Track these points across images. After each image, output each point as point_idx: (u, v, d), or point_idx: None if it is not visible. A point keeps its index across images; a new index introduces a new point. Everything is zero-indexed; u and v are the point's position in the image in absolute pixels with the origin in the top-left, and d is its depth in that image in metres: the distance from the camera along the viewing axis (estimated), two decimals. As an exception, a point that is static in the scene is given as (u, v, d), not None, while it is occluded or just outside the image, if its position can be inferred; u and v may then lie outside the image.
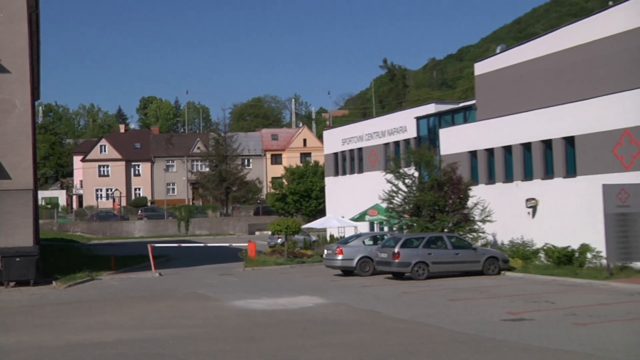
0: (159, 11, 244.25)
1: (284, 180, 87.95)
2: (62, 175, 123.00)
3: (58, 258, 42.18)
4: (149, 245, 39.13)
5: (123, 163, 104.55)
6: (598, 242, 29.45)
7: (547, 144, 35.59)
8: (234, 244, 51.63)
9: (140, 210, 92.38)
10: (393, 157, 44.41)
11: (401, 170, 37.79)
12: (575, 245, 31.01)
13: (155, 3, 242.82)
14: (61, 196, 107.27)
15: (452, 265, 30.91)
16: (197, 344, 16.42)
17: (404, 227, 37.96)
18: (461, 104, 47.46)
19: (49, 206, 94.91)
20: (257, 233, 79.74)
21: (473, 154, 40.40)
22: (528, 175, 36.70)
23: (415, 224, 36.38)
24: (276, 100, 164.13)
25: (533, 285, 27.08)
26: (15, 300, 26.33)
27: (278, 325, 19.11)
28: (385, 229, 45.46)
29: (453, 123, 44.10)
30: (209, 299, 25.62)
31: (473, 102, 43.95)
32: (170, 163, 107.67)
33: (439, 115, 45.62)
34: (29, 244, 31.35)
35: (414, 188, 36.95)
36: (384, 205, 39.47)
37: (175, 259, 45.87)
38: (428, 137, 45.40)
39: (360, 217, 46.03)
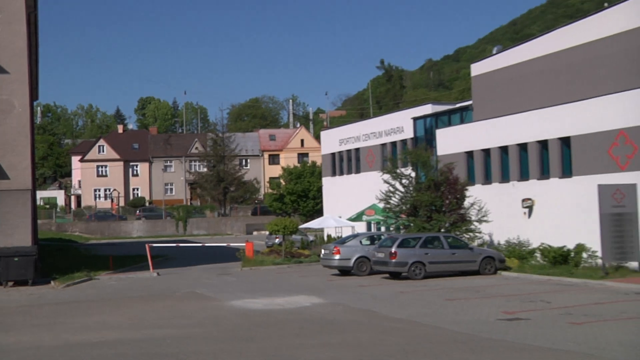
0: (157, 12, 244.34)
1: (281, 181, 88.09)
2: (60, 175, 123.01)
3: (56, 258, 42.19)
4: (147, 245, 39.18)
5: (121, 163, 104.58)
6: (593, 242, 29.56)
7: (543, 144, 35.73)
8: (231, 244, 51.55)
9: (138, 210, 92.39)
10: (390, 157, 44.47)
11: (398, 171, 37.83)
12: (570, 245, 31.13)
13: (153, 4, 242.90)
14: (59, 196, 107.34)
15: (449, 265, 30.99)
16: (195, 343, 16.42)
17: (401, 227, 38.02)
18: (458, 105, 47.51)
19: (48, 206, 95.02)
20: (254, 233, 79.85)
21: (470, 154, 40.53)
22: (524, 176, 36.83)
23: (412, 224, 36.43)
24: (274, 100, 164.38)
25: (529, 284, 27.14)
26: (13, 300, 26.33)
27: (276, 324, 19.12)
28: (383, 229, 45.57)
29: (450, 123, 44.22)
30: (207, 298, 25.63)
31: (470, 102, 44.11)
32: (168, 163, 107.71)
33: (435, 115, 45.74)
34: (28, 243, 31.38)
35: (411, 188, 37.03)
36: (381, 205, 39.51)
37: (173, 259, 45.90)
38: (425, 138, 45.50)
39: (357, 217, 46.09)
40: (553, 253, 31.04)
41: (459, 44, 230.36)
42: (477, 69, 42.99)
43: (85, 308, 23.82)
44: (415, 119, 47.16)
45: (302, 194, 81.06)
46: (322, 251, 35.63)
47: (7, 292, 29.00)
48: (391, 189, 37.51)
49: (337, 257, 33.54)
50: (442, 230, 35.05)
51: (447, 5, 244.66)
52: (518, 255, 33.00)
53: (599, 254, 29.16)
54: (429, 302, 22.91)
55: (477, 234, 35.94)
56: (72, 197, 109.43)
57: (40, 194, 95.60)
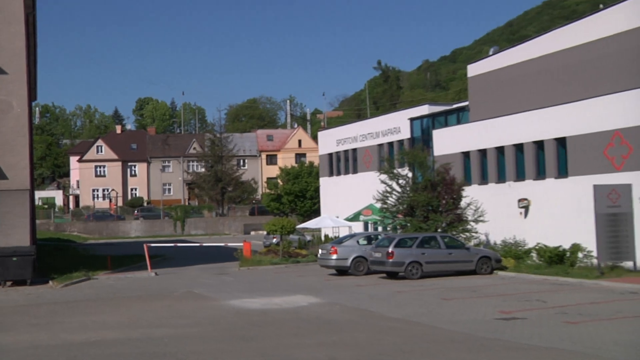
0: (155, 13, 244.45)
1: (279, 181, 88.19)
2: (58, 175, 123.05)
3: (55, 258, 42.14)
4: (145, 245, 39.20)
5: (119, 163, 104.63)
6: (589, 241, 29.66)
7: (539, 144, 35.87)
8: (229, 244, 51.58)
9: (136, 210, 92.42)
10: (387, 157, 44.54)
11: (395, 171, 37.91)
12: (566, 245, 31.21)
13: (151, 5, 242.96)
14: (58, 196, 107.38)
15: (446, 265, 31.05)
16: (193, 343, 16.43)
17: (398, 227, 38.11)
18: (454, 105, 47.68)
19: (46, 206, 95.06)
20: (252, 233, 79.96)
21: (466, 154, 40.65)
22: (520, 176, 36.97)
23: (409, 224, 36.50)
24: (271, 101, 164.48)
25: (525, 284, 27.21)
26: (12, 300, 26.30)
27: (273, 324, 19.12)
28: (380, 229, 45.54)
29: (446, 124, 44.34)
30: (205, 298, 25.63)
31: (466, 103, 44.21)
32: (167, 163, 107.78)
33: (432, 116, 45.87)
34: (26, 243, 31.37)
35: (408, 188, 37.11)
36: (378, 205, 39.60)
37: (171, 259, 45.88)
38: (422, 138, 45.64)
39: (354, 217, 46.20)
40: (549, 253, 31.11)
41: (455, 45, 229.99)
42: (474, 69, 43.12)
43: (83, 308, 23.78)
44: (412, 120, 47.27)
45: (299, 194, 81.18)
46: (320, 251, 35.63)
47: (5, 291, 28.96)
48: (388, 189, 37.58)
49: (334, 257, 33.55)
50: (439, 230, 35.13)
51: (443, 6, 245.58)
52: (514, 255, 33.06)
53: (595, 253, 29.24)
54: (426, 302, 22.92)
55: (473, 234, 35.99)
56: (71, 197, 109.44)
57: (39, 194, 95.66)
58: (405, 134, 47.94)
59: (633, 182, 29.35)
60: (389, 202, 37.65)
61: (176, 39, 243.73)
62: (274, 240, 46.83)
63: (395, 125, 49.42)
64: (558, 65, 36.60)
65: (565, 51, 36.21)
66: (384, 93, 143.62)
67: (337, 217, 49.02)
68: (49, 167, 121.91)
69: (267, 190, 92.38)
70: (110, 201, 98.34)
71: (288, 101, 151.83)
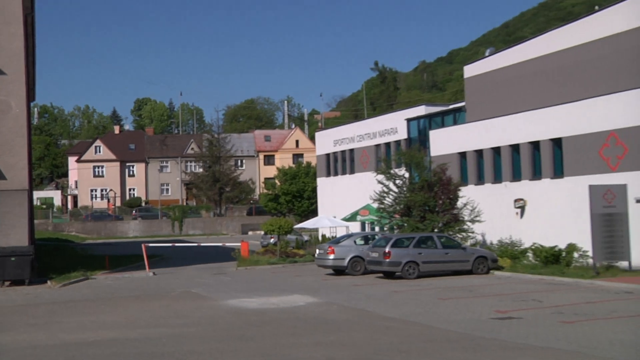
0: (153, 14, 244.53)
1: (276, 181, 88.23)
2: (57, 175, 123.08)
3: (53, 258, 42.14)
4: (143, 245, 39.26)
5: (117, 164, 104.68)
6: (584, 241, 29.79)
7: (535, 145, 36.02)
8: (227, 244, 51.65)
9: (134, 211, 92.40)
10: (384, 158, 44.71)
11: (392, 171, 38.02)
12: (562, 245, 31.33)
13: (149, 6, 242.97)
14: (56, 196, 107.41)
15: (442, 265, 31.13)
16: (191, 342, 16.43)
17: (395, 227, 38.19)
18: (451, 106, 47.81)
19: (44, 206, 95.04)
20: (250, 233, 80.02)
21: (462, 155, 40.80)
22: (516, 176, 37.11)
23: (405, 224, 36.63)
24: (269, 102, 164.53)
25: (521, 284, 27.28)
26: (10, 300, 26.31)
27: (271, 324, 19.15)
28: (377, 229, 45.70)
29: (443, 125, 44.46)
30: (203, 298, 25.65)
31: (463, 104, 44.33)
32: (164, 164, 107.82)
33: (429, 117, 45.99)
34: (24, 243, 31.36)
35: (405, 189, 37.21)
36: (375, 205, 39.71)
37: (169, 259, 45.84)
38: (418, 139, 45.74)
39: (351, 217, 46.28)
40: (545, 253, 31.21)
41: (452, 46, 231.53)
42: (470, 70, 43.27)
43: (81, 308, 23.78)
44: (408, 120, 47.39)
45: (297, 195, 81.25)
46: (317, 251, 35.67)
47: (3, 291, 28.96)
48: (385, 189, 37.69)
49: (331, 256, 33.60)
50: (436, 230, 35.24)
51: (440, 8, 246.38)
52: (510, 255, 33.16)
53: (590, 253, 29.37)
54: (423, 302, 22.95)
55: (470, 234, 36.16)
56: (69, 197, 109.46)
57: (37, 194, 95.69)
58: (402, 134, 48.05)
59: (628, 183, 29.52)
60: (386, 202, 37.74)
61: (174, 40, 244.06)
62: (272, 240, 46.84)
63: (392, 126, 49.52)
64: (554, 66, 36.75)
65: (561, 52, 36.36)
66: (381, 94, 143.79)
67: (335, 217, 49.09)
68: (48, 168, 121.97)
69: (265, 191, 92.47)
70: (109, 201, 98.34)
71: (286, 102, 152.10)
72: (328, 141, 58.12)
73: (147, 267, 36.95)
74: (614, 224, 28.60)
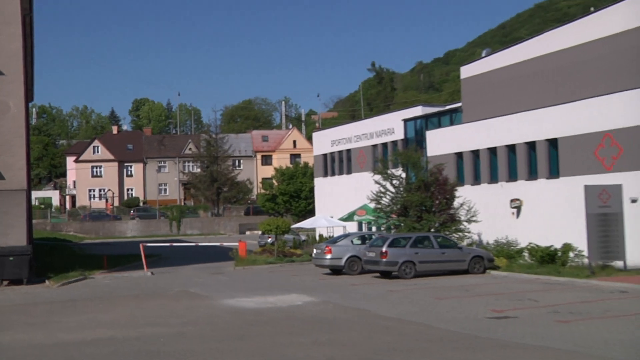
0: (151, 15, 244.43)
1: (274, 181, 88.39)
2: (55, 175, 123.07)
3: (51, 257, 42.03)
4: (141, 245, 39.25)
5: (116, 164, 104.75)
6: (580, 241, 29.90)
7: (531, 145, 36.14)
8: (224, 244, 51.61)
9: (132, 210, 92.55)
10: (381, 158, 44.71)
11: (389, 172, 38.13)
12: (558, 245, 31.42)
13: (147, 6, 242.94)
14: (54, 196, 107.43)
15: (439, 265, 31.19)
16: (189, 342, 16.46)
17: (392, 227, 38.26)
18: (447, 107, 47.83)
19: (43, 206, 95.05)
20: (247, 233, 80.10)
21: (459, 155, 40.90)
22: (512, 176, 37.23)
23: (402, 224, 36.69)
24: (266, 102, 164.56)
25: (517, 283, 27.37)
26: (8, 299, 26.32)
27: (268, 323, 19.20)
28: (374, 228, 45.76)
29: (440, 125, 44.51)
30: (201, 297, 25.68)
31: (459, 104, 44.41)
32: (162, 164, 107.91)
33: (425, 117, 46.06)
34: (23, 243, 31.36)
35: (402, 189, 37.30)
36: (372, 205, 39.79)
37: (167, 258, 45.81)
38: (415, 139, 45.78)
39: (348, 217, 46.35)
40: (541, 252, 31.31)
41: (448, 47, 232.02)
42: (467, 71, 43.39)
43: (79, 307, 23.80)
44: (405, 121, 47.46)
45: (294, 194, 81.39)
46: (314, 251, 35.74)
47: (2, 291, 28.96)
48: (382, 189, 37.79)
49: (328, 256, 33.63)
50: (432, 230, 35.30)
51: (437, 9, 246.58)
52: (506, 254, 33.21)
53: (586, 253, 29.46)
54: (419, 301, 23.03)
55: (466, 234, 36.19)
56: (67, 197, 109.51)
57: (36, 194, 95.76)
58: (399, 134, 48.14)
59: (623, 183, 29.62)
60: (382, 202, 37.84)
61: (172, 41, 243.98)
62: (269, 240, 46.88)
63: (389, 126, 49.62)
64: (550, 67, 36.86)
65: (556, 53, 36.48)
66: (378, 94, 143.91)
67: (332, 217, 49.15)
68: (46, 168, 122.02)
69: (262, 191, 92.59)
70: (107, 201, 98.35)
71: (283, 102, 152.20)
72: (325, 141, 58.21)
73: (145, 266, 36.97)
74: (609, 224, 28.72)
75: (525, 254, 32.89)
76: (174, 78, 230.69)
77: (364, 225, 49.41)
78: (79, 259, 40.12)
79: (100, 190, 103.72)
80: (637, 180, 30.53)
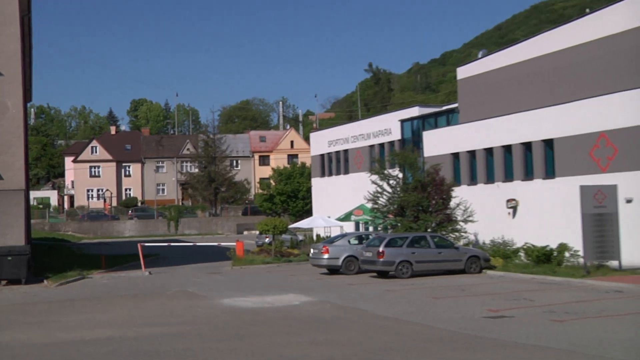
0: (149, 15, 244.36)
1: (271, 181, 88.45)
2: (53, 175, 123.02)
3: (49, 257, 42.09)
4: (139, 245, 39.24)
5: (114, 164, 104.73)
6: (576, 241, 29.99)
7: (527, 146, 36.27)
8: (222, 243, 51.57)
9: (130, 210, 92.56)
10: (378, 158, 44.84)
11: (386, 172, 38.21)
12: (553, 245, 31.50)
13: (145, 7, 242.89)
14: (53, 196, 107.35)
15: (435, 264, 31.23)
16: (187, 341, 16.46)
17: (389, 227, 38.38)
18: (444, 107, 47.99)
19: (41, 206, 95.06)
20: (245, 232, 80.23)
21: (455, 155, 41.02)
22: (509, 177, 37.35)
23: (399, 224, 36.79)
24: (264, 103, 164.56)
25: (513, 283, 27.43)
26: (7, 299, 26.34)
27: (266, 322, 19.22)
28: (370, 228, 45.71)
29: (436, 126, 44.65)
30: (198, 297, 25.71)
31: (456, 105, 44.55)
32: (160, 164, 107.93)
33: (422, 118, 46.20)
34: (21, 243, 31.42)
35: (398, 189, 37.38)
36: (369, 205, 39.85)
37: (164, 258, 45.95)
38: (412, 140, 45.91)
39: (345, 217, 46.42)
40: (536, 252, 31.36)
41: (445, 48, 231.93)
42: (463, 72, 43.53)
43: (78, 306, 23.82)
44: (402, 121, 47.58)
45: (291, 195, 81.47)
46: (311, 250, 35.81)
47: (0, 291, 28.94)
48: (379, 189, 37.86)
49: (325, 256, 33.71)
50: (429, 230, 35.38)
51: (434, 10, 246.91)
52: (502, 254, 33.30)
53: (581, 253, 29.55)
54: (416, 301, 23.07)
55: (462, 234, 36.27)
56: (65, 197, 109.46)
57: (34, 194, 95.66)
58: (395, 135, 48.27)
59: (618, 183, 29.78)
60: (379, 202, 37.91)
61: (170, 42, 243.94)
62: (267, 239, 46.98)
63: (386, 127, 49.73)
64: (545, 68, 37.01)
65: (552, 54, 36.63)
66: (375, 95, 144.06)
67: (329, 217, 49.24)
68: (44, 168, 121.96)
69: (260, 191, 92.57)
70: (105, 201, 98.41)
71: (280, 103, 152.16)
72: (322, 142, 58.32)
73: (143, 266, 37.02)
74: (605, 224, 28.85)
75: (521, 253, 32.94)
76: (172, 78, 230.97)
77: (361, 225, 49.50)
78: (77, 259, 40.18)
79: (98, 190, 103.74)
80: (632, 180, 30.69)
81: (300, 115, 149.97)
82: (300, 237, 50.92)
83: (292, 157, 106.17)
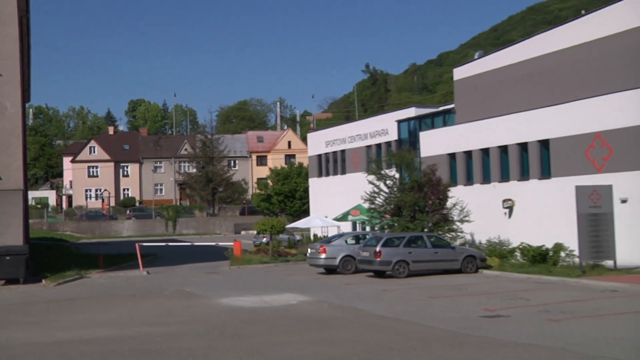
0: (147, 16, 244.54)
1: (269, 181, 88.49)
2: (52, 175, 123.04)
3: (48, 257, 42.11)
4: (137, 244, 39.29)
5: (112, 164, 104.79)
6: (571, 241, 30.07)
7: (523, 146, 36.37)
8: (220, 243, 51.58)
9: (128, 210, 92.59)
10: (375, 159, 44.90)
11: (382, 172, 38.31)
12: (549, 244, 31.60)
13: (143, 8, 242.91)
14: (51, 196, 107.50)
15: (432, 264, 31.30)
16: (184, 340, 16.48)
17: (385, 226, 38.43)
18: (441, 108, 48.02)
19: (39, 206, 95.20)
20: (242, 232, 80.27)
21: (452, 156, 41.14)
22: (505, 177, 37.45)
23: (396, 224, 36.89)
24: (262, 103, 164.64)
25: (509, 282, 27.52)
26: (5, 299, 26.35)
27: (263, 322, 19.26)
28: (367, 228, 45.90)
29: (433, 126, 44.73)
30: (196, 296, 25.73)
31: (452, 106, 44.66)
32: (158, 164, 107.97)
33: (419, 118, 46.28)
34: (19, 242, 31.44)
35: (395, 189, 37.49)
36: (366, 205, 39.94)
37: (162, 258, 45.89)
38: (409, 140, 45.98)
39: (343, 217, 46.51)
40: (532, 252, 31.46)
41: (442, 49, 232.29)
42: (460, 73, 43.63)
43: (76, 306, 23.85)
44: (399, 122, 47.67)
45: (289, 195, 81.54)
46: (309, 250, 35.85)
47: (-2, 290, 28.98)
48: (376, 189, 37.97)
49: (323, 256, 33.77)
50: (425, 230, 35.51)
51: (430, 11, 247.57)
52: (499, 254, 33.38)
53: (577, 252, 29.65)
54: (413, 300, 23.13)
55: (459, 234, 36.42)
56: (64, 197, 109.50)
57: (32, 194, 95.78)
58: (392, 135, 48.37)
59: (613, 183, 29.89)
60: (376, 202, 38.01)
61: (168, 42, 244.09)
62: (264, 239, 46.98)
63: (382, 127, 49.83)
64: (541, 69, 37.10)
65: (548, 55, 36.73)
66: (372, 95, 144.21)
67: (326, 217, 49.31)
68: (42, 168, 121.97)
69: (257, 191, 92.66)
70: (103, 201, 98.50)
71: (278, 103, 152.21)
72: (320, 142, 58.40)
73: (140, 266, 37.02)
74: (600, 224, 28.94)
75: (517, 253, 33.03)
76: (170, 79, 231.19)
77: (358, 225, 49.58)
78: (75, 259, 40.19)
79: (96, 190, 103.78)
80: (627, 180, 30.83)
81: (297, 116, 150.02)
82: (298, 237, 50.92)
83: (289, 158, 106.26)
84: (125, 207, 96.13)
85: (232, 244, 43.36)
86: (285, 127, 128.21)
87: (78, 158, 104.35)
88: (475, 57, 44.51)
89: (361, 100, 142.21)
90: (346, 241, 34.90)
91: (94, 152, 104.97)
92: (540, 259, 31.24)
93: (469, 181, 39.91)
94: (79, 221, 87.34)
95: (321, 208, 55.07)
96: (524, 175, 36.39)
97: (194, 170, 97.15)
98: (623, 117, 31.34)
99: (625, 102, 31.42)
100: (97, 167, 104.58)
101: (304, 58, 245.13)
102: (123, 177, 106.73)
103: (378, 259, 30.59)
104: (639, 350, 14.83)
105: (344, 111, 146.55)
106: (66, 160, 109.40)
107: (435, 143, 42.41)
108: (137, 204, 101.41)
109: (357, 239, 35.26)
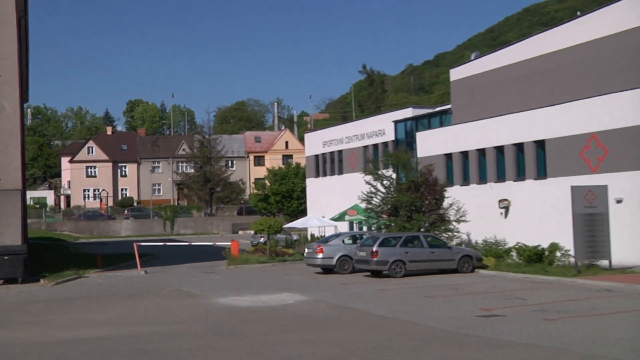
0: (146, 17, 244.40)
1: (266, 181, 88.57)
2: (50, 175, 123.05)
3: (46, 256, 42.19)
4: (134, 244, 39.45)
5: (110, 164, 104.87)
6: (567, 241, 30.17)
7: (519, 147, 36.49)
8: (217, 243, 51.64)
9: (126, 210, 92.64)
10: (372, 159, 44.87)
11: (379, 172, 38.39)
12: (545, 244, 31.64)
13: (142, 9, 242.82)
14: (49, 196, 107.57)
15: (428, 264, 31.34)
16: (182, 340, 16.54)
17: (382, 226, 38.51)
18: (437, 109, 48.08)
19: (38, 206, 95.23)
20: (240, 232, 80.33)
21: (448, 156, 41.23)
22: (501, 177, 37.56)
23: (393, 224, 36.93)
24: (259, 103, 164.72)
25: (505, 282, 27.59)
26: (3, 298, 26.43)
27: (261, 321, 19.31)
28: (364, 228, 45.94)
29: (429, 127, 44.79)
30: (194, 296, 25.79)
31: (449, 106, 44.71)
32: (156, 164, 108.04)
33: (416, 119, 46.33)
34: (18, 242, 31.50)
35: (392, 189, 37.55)
36: (363, 205, 40.06)
37: (160, 258, 45.96)
38: (405, 140, 46.03)
39: (340, 217, 46.56)
40: (528, 252, 31.49)
41: (438, 50, 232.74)
42: (456, 74, 43.70)
43: (74, 305, 23.90)
44: (396, 122, 47.73)
45: (286, 195, 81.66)
46: (306, 250, 35.91)
47: (-3, 290, 29.00)
48: (373, 189, 38.02)
49: (320, 255, 33.80)
50: (422, 229, 35.56)
51: (427, 12, 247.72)
52: (495, 254, 33.43)
53: (572, 252, 29.72)
54: (409, 300, 23.18)
55: (455, 234, 36.42)
56: (62, 197, 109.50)
57: (31, 194, 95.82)
58: (389, 136, 48.44)
59: (609, 184, 30.07)
60: (373, 202, 38.08)
61: (166, 43, 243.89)
62: (262, 239, 47.02)
63: (379, 128, 49.90)
64: (537, 69, 37.21)
65: (544, 56, 36.85)
66: (369, 96, 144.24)
67: (323, 217, 49.37)
68: (41, 168, 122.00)
69: (255, 191, 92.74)
70: (101, 201, 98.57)
71: (275, 104, 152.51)
72: (317, 142, 58.47)
73: (138, 265, 37.05)
74: (595, 224, 29.10)
75: (513, 253, 33.08)
76: (168, 79, 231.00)
77: (355, 225, 49.63)
78: (73, 258, 40.29)
79: (94, 190, 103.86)
80: (623, 181, 30.98)
81: (295, 116, 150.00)
82: (295, 237, 51.02)
83: (287, 158, 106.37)
84: (123, 207, 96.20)
85: (229, 243, 43.39)
86: (283, 127, 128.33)
87: (76, 158, 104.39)
88: (472, 58, 44.60)
89: (358, 100, 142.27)
90: (343, 241, 34.91)
91: (92, 152, 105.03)
92: (536, 258, 31.28)
93: (466, 181, 40.01)
94: (77, 221, 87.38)
95: (318, 208, 55.13)
96: (520, 176, 36.52)
97: (192, 170, 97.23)
98: (618, 118, 31.48)
99: (620, 102, 31.55)
100: (95, 167, 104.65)
101: (302, 59, 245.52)
102: (121, 177, 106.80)
103: (375, 259, 30.66)
104: (635, 349, 14.89)
105: (341, 112, 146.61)
106: (64, 160, 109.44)
107: (431, 143, 42.52)
108: (135, 203, 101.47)
109: (354, 238, 35.25)
